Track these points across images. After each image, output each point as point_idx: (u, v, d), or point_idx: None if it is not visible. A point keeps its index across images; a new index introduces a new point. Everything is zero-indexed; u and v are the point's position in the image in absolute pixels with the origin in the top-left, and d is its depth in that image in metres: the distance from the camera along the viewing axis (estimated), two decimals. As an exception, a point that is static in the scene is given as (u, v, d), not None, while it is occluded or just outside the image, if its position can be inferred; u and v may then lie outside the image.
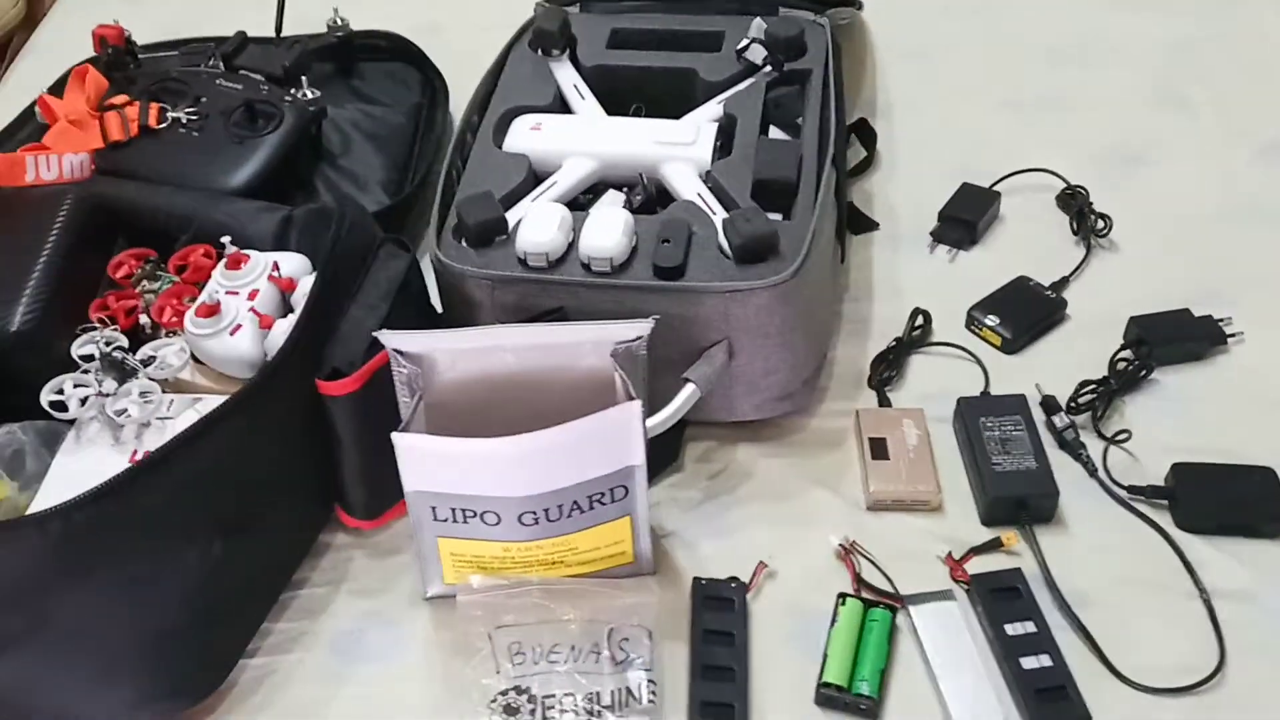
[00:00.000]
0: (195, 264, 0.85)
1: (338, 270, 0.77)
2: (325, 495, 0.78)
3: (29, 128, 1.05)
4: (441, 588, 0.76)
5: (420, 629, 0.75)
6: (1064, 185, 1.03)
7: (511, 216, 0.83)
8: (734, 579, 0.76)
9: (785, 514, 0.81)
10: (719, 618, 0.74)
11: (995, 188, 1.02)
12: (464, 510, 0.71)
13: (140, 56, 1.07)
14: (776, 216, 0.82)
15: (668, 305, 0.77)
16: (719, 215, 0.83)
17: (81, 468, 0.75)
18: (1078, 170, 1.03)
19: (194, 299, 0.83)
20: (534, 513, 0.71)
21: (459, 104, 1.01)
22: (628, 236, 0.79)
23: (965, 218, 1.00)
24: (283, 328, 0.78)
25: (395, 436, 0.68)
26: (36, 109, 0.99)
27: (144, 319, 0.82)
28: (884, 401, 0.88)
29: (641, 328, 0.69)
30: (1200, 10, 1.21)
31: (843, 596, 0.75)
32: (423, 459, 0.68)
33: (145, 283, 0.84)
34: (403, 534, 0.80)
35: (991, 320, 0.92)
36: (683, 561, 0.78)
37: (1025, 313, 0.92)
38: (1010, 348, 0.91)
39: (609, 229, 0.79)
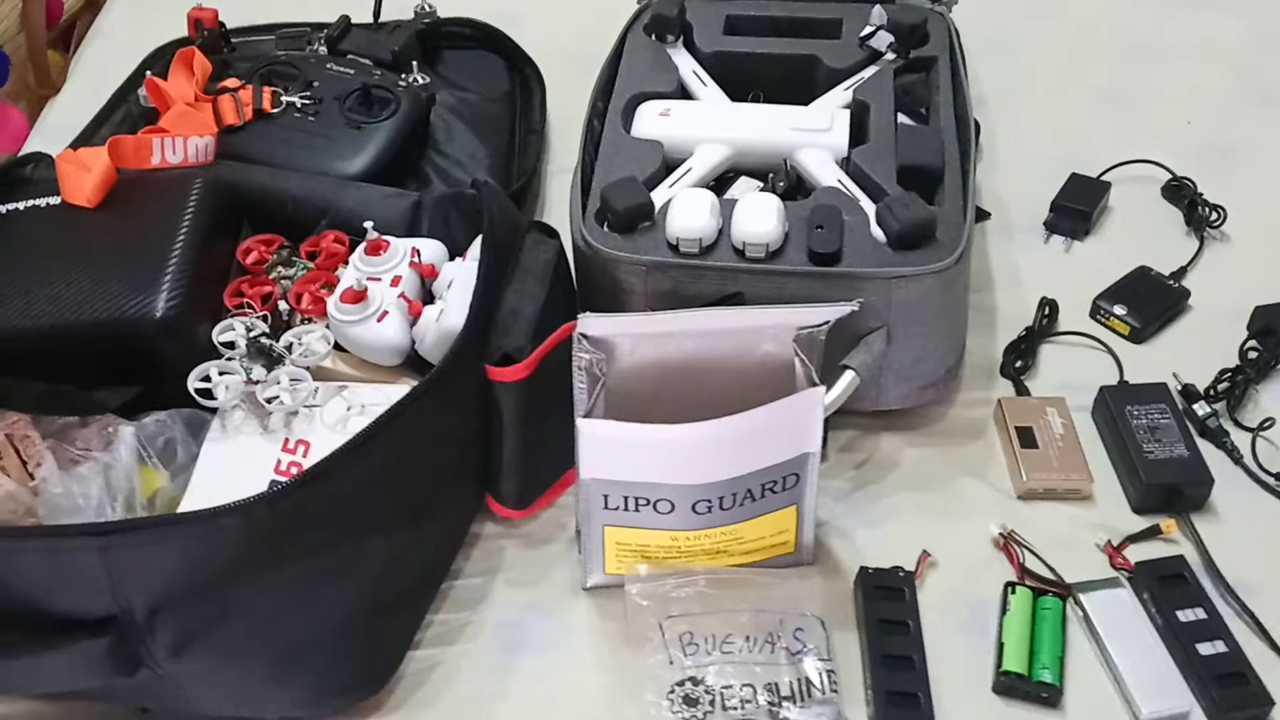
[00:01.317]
0: (328, 250, 0.83)
1: (495, 256, 0.76)
2: (481, 484, 0.76)
3: (121, 111, 1.03)
4: (602, 578, 0.74)
5: (583, 619, 0.74)
6: (1170, 176, 1.03)
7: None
8: (899, 568, 0.75)
9: (936, 503, 0.80)
10: (891, 607, 0.73)
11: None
12: (638, 499, 0.70)
13: (232, 40, 1.05)
14: (921, 203, 0.81)
15: (825, 291, 0.76)
16: (863, 201, 0.82)
17: (230, 456, 0.73)
18: (1178, 163, 1.04)
19: (330, 285, 0.81)
20: (708, 501, 0.70)
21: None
22: (782, 222, 0.78)
23: (1079, 207, 0.99)
24: (432, 314, 0.76)
25: (580, 422, 0.66)
26: (141, 92, 0.96)
27: (282, 305, 0.80)
28: (1021, 390, 0.87)
29: (831, 312, 0.68)
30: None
31: (1011, 585, 0.74)
32: (604, 446, 0.67)
33: (280, 269, 0.82)
34: (551, 523, 0.79)
35: (1120, 310, 0.91)
36: (840, 551, 0.77)
37: (1151, 302, 0.92)
38: (1138, 337, 0.91)
39: (764, 214, 0.78)
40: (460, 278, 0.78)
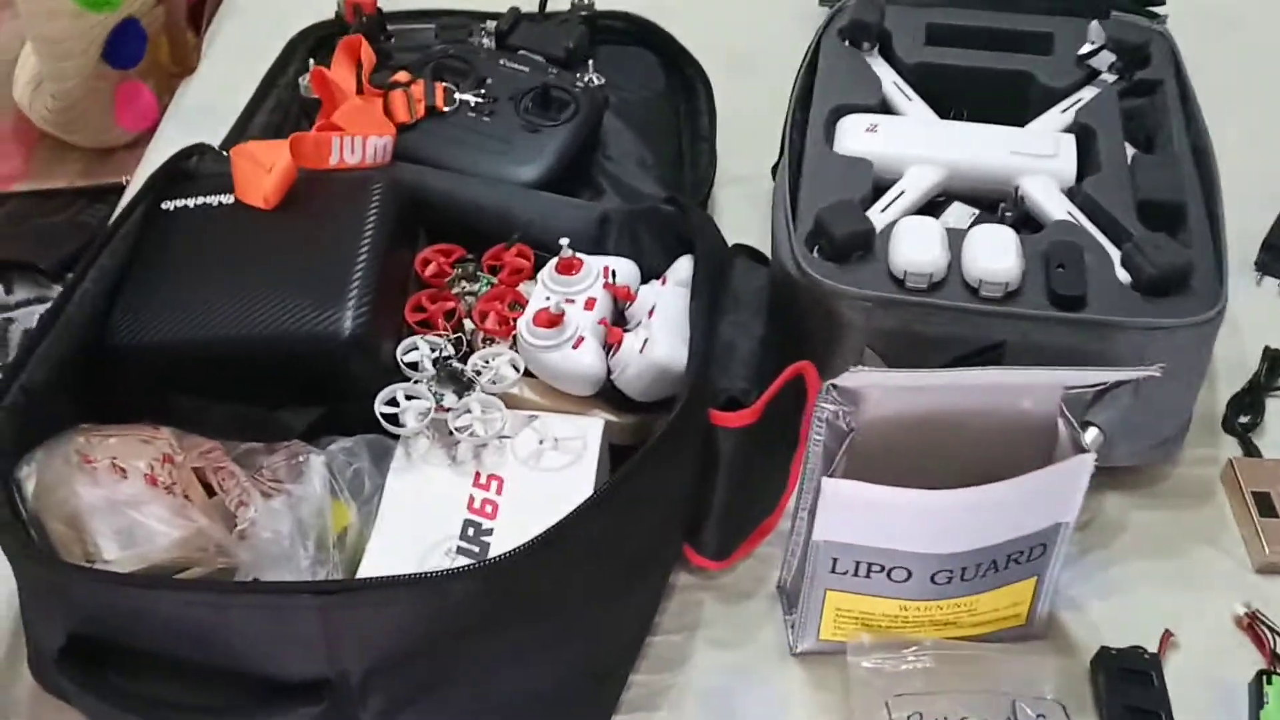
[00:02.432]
0: (511, 264, 0.77)
1: (710, 284, 0.69)
2: (685, 534, 0.70)
3: (272, 98, 0.97)
4: (815, 643, 0.68)
5: (796, 689, 0.67)
6: (1390, 214, 0.95)
7: (863, 228, 0.75)
8: (1141, 649, 0.68)
9: (1169, 573, 0.73)
10: (1139, 693, 0.66)
11: (1314, 216, 0.95)
12: (872, 564, 0.63)
13: (389, 28, 0.99)
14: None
15: (1068, 338, 0.69)
16: (1098, 237, 0.75)
17: (418, 490, 0.67)
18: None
19: (518, 304, 0.75)
20: (950, 571, 0.63)
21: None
22: (1020, 258, 0.71)
23: (1297, 247, 0.92)
24: (633, 343, 0.70)
25: (825, 482, 0.60)
26: (304, 81, 0.91)
27: (467, 324, 0.74)
28: (1250, 449, 0.80)
29: (1117, 375, 0.61)
30: None
31: (1265, 674, 0.67)
32: (846, 508, 0.61)
33: (464, 283, 0.76)
34: (749, 575, 0.73)
35: (1354, 363, 0.84)
36: (1071, 624, 0.70)
37: (1387, 355, 0.85)
38: (1375, 394, 0.83)
39: (1002, 249, 0.71)
40: (664, 305, 0.72)
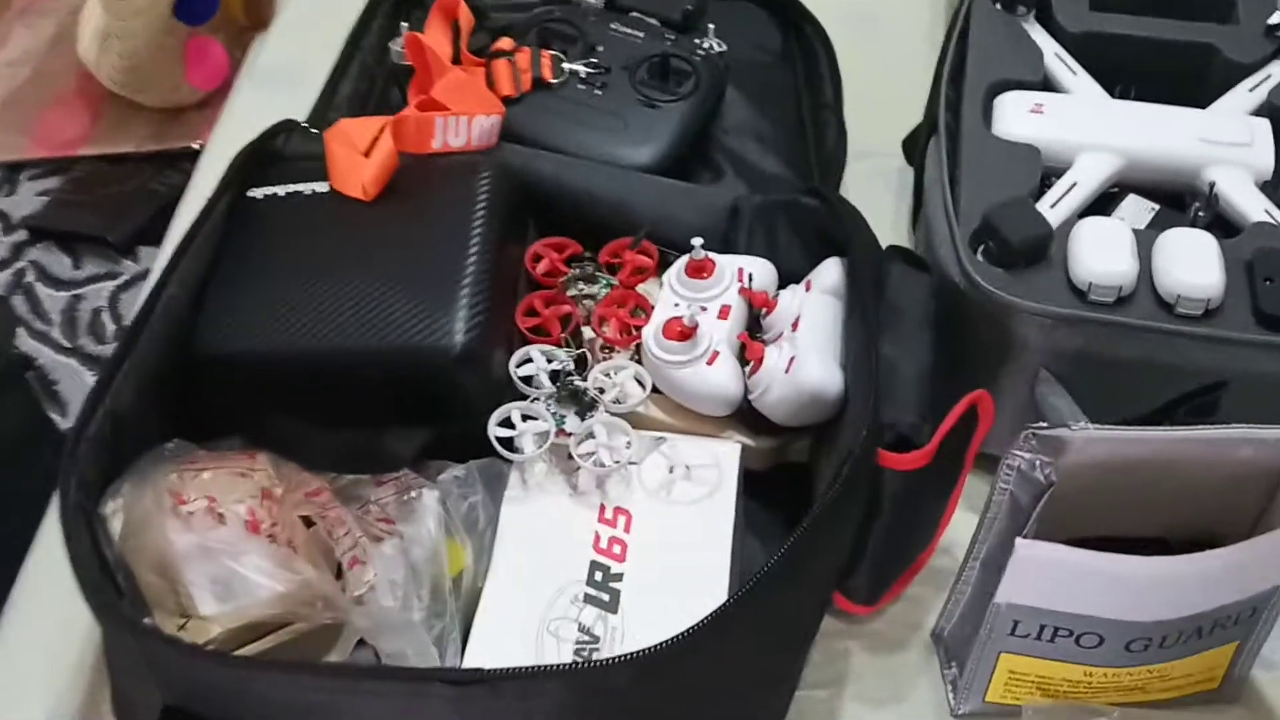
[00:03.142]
0: (633, 263, 0.69)
1: (868, 297, 0.61)
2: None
3: (356, 64, 0.89)
4: (980, 704, 0.60)
5: (959, 758, 0.60)
6: None
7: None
8: (1352, 721, 0.61)
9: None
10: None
11: None
12: (1059, 629, 0.55)
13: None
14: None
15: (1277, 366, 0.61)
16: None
17: (536, 524, 0.60)
18: None
19: (641, 309, 0.67)
20: (1147, 640, 0.55)
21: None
22: (1223, 270, 0.62)
23: None
24: (776, 361, 0.62)
25: (1020, 544, 0.52)
26: (395, 46, 0.82)
27: (586, 332, 0.66)
28: None
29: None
30: None
31: None
32: (1040, 571, 0.53)
33: (581, 285, 0.68)
34: (898, 621, 0.65)
35: None
36: (1266, 687, 0.63)
37: None
38: None
39: (1203, 259, 0.62)
40: (811, 316, 0.64)
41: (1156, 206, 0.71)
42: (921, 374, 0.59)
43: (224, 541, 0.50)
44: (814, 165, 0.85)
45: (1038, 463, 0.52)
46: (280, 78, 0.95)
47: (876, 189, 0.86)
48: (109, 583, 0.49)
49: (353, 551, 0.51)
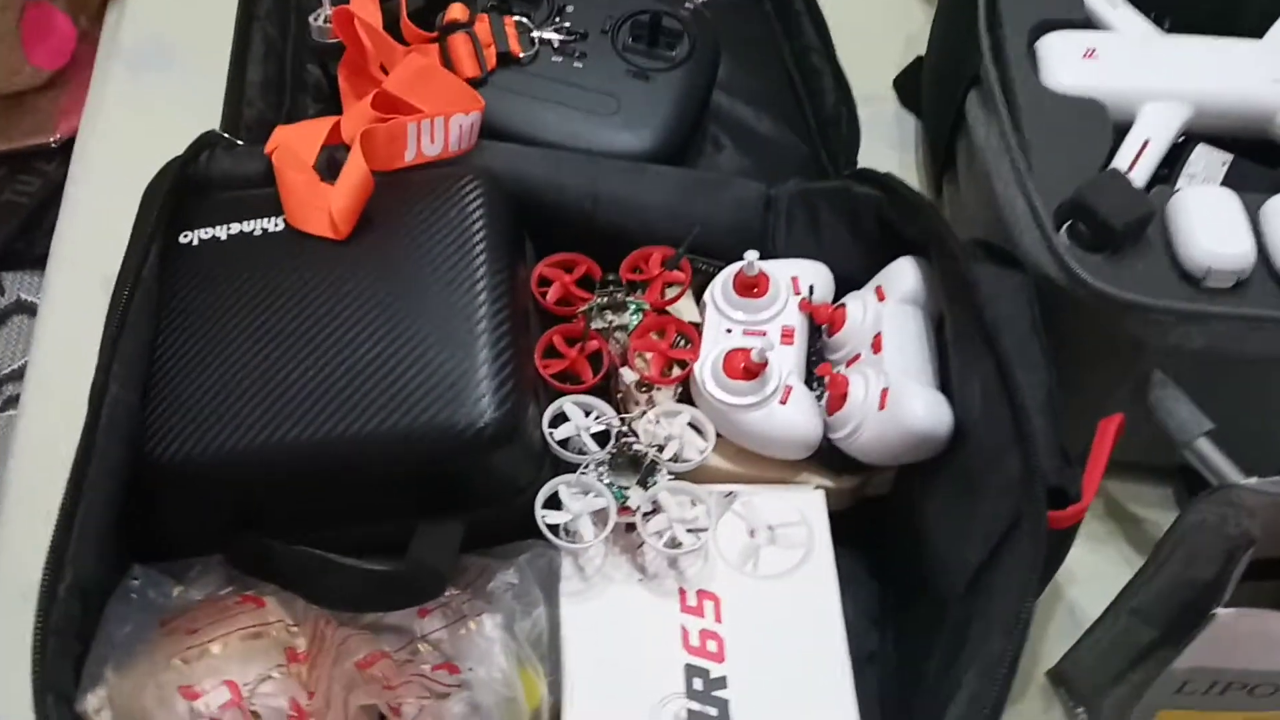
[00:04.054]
0: (662, 278, 0.58)
1: (970, 310, 0.51)
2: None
3: (259, 41, 0.72)
4: (1126, 759, 0.54)
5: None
6: None
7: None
8: None
9: None
10: None
11: None
12: (1231, 683, 0.48)
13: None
14: None
15: None
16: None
17: (606, 625, 0.50)
18: None
19: (684, 335, 0.56)
20: (1330, 682, 0.49)
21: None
22: (1355, 239, 0.55)
23: None
24: (862, 393, 0.52)
25: (1222, 614, 0.44)
26: (318, 21, 0.67)
27: (625, 374, 0.55)
28: None
29: None
30: None
31: None
32: (1239, 639, 0.45)
33: (610, 314, 0.56)
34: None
35: None
36: None
37: None
38: None
39: (1331, 229, 0.54)
40: (894, 332, 0.54)
41: (1230, 156, 0.63)
42: (1049, 400, 0.50)
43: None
44: (810, 121, 0.74)
45: (1232, 517, 0.44)
46: (150, 54, 0.79)
47: (872, 140, 0.74)
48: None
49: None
